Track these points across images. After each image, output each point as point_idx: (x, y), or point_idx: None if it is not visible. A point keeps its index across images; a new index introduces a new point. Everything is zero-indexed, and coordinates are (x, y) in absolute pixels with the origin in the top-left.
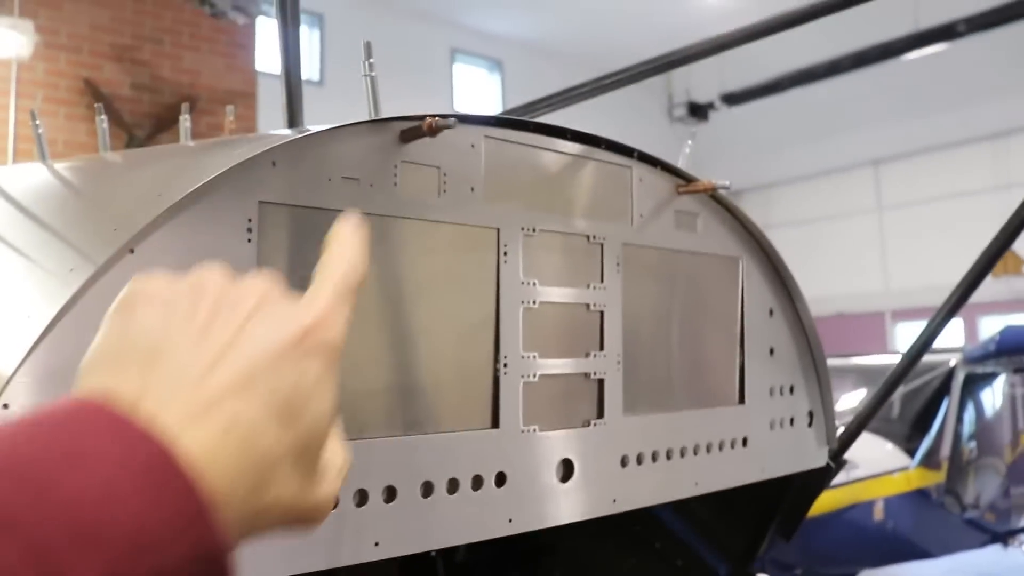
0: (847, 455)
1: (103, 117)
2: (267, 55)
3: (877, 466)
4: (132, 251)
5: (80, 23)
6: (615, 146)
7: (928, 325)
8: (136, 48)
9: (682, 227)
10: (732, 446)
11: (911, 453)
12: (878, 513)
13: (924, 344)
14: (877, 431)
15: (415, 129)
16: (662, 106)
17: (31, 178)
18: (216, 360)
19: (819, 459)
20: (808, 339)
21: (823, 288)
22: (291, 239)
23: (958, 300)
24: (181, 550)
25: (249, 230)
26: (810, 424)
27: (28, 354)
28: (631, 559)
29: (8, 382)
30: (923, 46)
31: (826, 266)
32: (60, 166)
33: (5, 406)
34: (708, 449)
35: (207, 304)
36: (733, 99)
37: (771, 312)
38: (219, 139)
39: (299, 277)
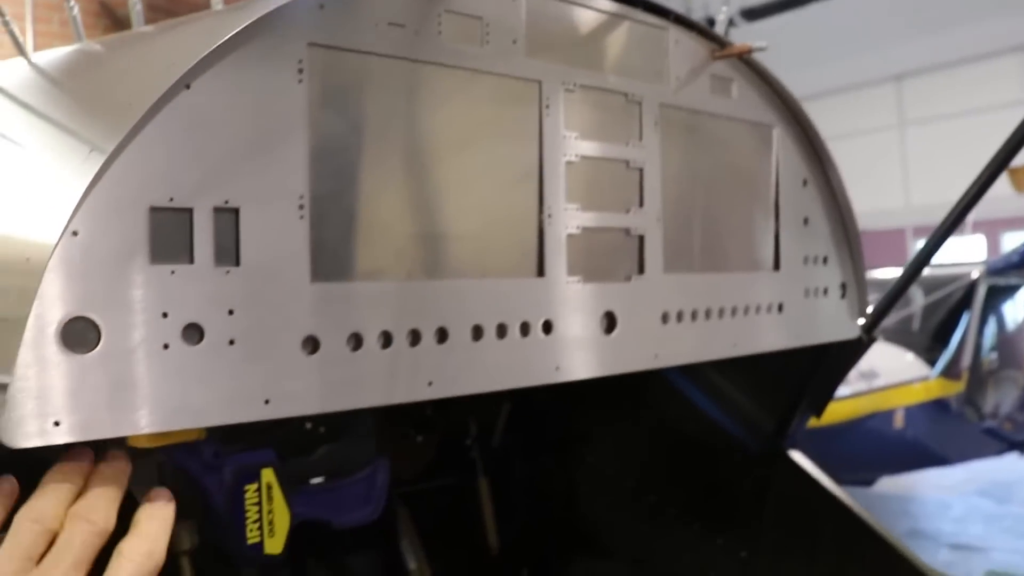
0: (869, 365)
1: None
2: None
3: (898, 375)
4: (188, 86)
5: None
6: (652, 7)
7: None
8: None
9: (717, 92)
10: (768, 310)
11: (932, 364)
12: (898, 421)
13: (954, 221)
14: (899, 342)
15: None
16: None
17: (71, 53)
18: None
19: (851, 331)
20: (841, 211)
21: None
22: (340, 83)
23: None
24: None
25: (300, 71)
26: (843, 296)
27: (93, 184)
28: (662, 444)
29: (76, 211)
30: None
31: (847, 183)
32: (97, 41)
33: (75, 233)
34: (745, 312)
35: None
36: (753, 14)
37: (804, 182)
38: None
39: (347, 123)
